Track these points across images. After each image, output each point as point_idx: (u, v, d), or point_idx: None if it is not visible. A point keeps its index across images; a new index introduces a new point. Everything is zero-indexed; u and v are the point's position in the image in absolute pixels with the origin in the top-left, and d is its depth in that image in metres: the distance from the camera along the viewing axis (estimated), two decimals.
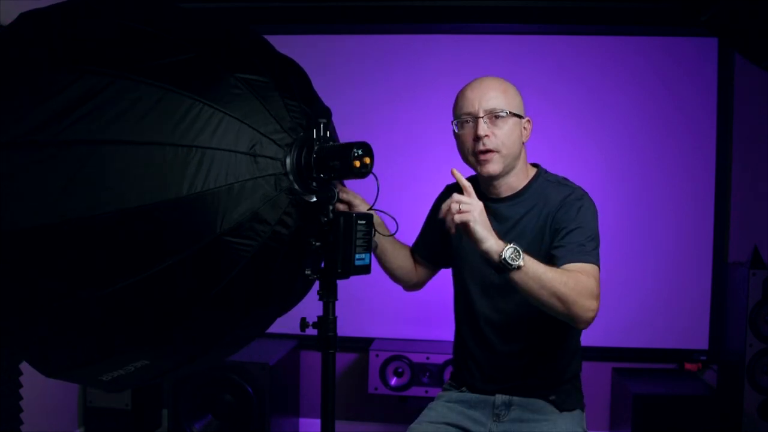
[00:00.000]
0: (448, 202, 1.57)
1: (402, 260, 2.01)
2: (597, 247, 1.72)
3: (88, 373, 1.55)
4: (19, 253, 1.34)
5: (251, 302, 1.56)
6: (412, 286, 2.10)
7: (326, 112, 1.66)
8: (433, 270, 2.09)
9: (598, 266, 1.69)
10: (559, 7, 3.50)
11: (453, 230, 1.57)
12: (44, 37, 1.43)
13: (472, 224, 1.54)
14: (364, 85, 3.58)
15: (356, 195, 1.81)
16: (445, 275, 2.24)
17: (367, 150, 1.55)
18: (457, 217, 1.55)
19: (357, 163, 1.51)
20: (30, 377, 2.95)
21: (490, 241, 1.55)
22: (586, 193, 1.82)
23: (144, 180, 1.33)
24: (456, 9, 3.56)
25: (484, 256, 1.57)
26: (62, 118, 1.30)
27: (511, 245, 1.54)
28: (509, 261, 1.53)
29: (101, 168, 1.31)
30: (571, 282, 1.57)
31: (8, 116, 1.32)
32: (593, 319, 1.61)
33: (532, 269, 1.55)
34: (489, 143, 1.76)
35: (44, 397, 3.22)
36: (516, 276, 1.55)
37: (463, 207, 1.55)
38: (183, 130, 1.36)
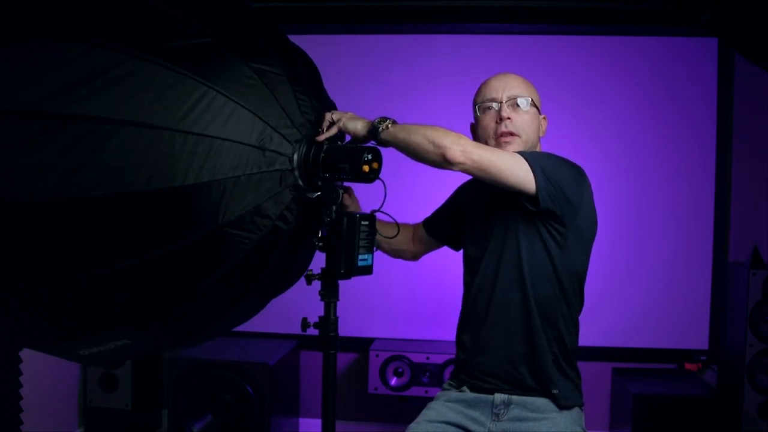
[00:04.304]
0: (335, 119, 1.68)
1: (399, 244, 2.09)
2: (540, 166, 1.70)
3: (68, 347, 1.54)
4: (15, 225, 1.31)
5: (243, 293, 1.56)
6: (408, 259, 2.19)
7: (332, 107, 1.68)
8: (435, 246, 2.16)
9: (522, 159, 1.70)
10: (559, 7, 3.50)
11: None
12: (58, 4, 1.38)
13: (344, 123, 1.67)
14: (364, 85, 3.58)
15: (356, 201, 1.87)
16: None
17: (377, 155, 1.56)
18: (333, 128, 1.65)
19: (366, 168, 1.52)
20: (30, 377, 2.95)
21: (363, 122, 1.69)
22: None
23: (151, 165, 1.31)
24: (456, 9, 3.56)
25: (366, 136, 1.69)
26: (70, 91, 1.27)
27: (381, 118, 1.69)
28: (377, 126, 1.67)
29: (108, 148, 1.29)
30: (441, 130, 1.68)
31: (16, 82, 1.28)
32: (460, 147, 1.64)
33: (399, 125, 1.69)
34: (510, 126, 1.84)
35: (44, 397, 3.22)
36: (386, 135, 1.67)
37: (336, 117, 1.67)
38: (194, 117, 1.33)
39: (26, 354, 2.91)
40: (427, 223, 2.13)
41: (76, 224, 1.31)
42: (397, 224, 1.86)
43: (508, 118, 1.83)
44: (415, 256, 2.17)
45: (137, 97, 1.30)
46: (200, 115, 1.34)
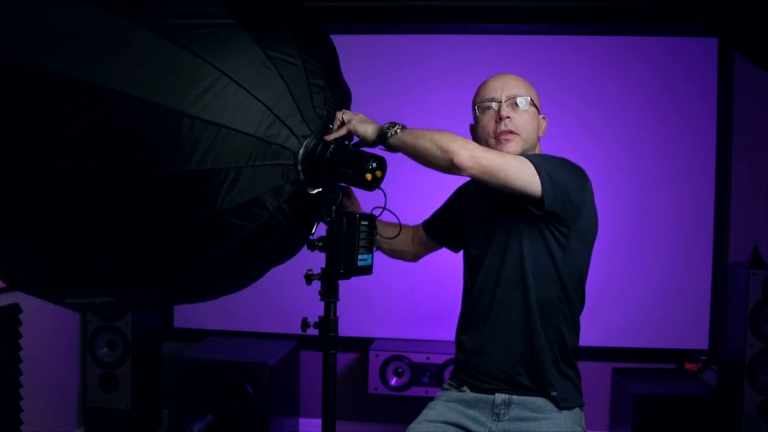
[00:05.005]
0: (345, 120, 1.68)
1: (399, 245, 2.09)
2: (545, 169, 1.71)
3: (57, 295, 1.55)
4: (14, 184, 1.30)
5: (233, 272, 1.56)
6: (408, 260, 2.19)
7: (347, 97, 1.66)
8: (435, 248, 2.16)
9: (528, 162, 1.71)
10: (559, 7, 3.50)
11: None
12: None
13: (354, 125, 1.67)
14: (364, 85, 3.56)
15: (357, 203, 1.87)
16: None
17: (382, 164, 1.55)
18: (343, 129, 1.65)
19: (369, 177, 1.51)
20: (30, 377, 2.95)
21: (373, 126, 1.70)
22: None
23: (154, 146, 1.29)
24: (456, 9, 3.56)
25: (375, 141, 1.70)
26: (84, 57, 1.24)
27: (390, 123, 1.69)
28: (386, 131, 1.68)
29: (113, 122, 1.26)
30: (449, 135, 1.68)
31: (27, 36, 1.25)
32: (468, 152, 1.64)
33: (408, 130, 1.69)
34: (510, 124, 1.84)
35: (44, 397, 3.22)
36: (395, 140, 1.67)
37: (347, 118, 1.67)
38: (204, 103, 1.31)
39: (26, 354, 2.91)
40: (427, 224, 2.13)
41: (70, 191, 1.30)
42: (399, 224, 1.85)
43: (508, 117, 1.83)
44: (414, 257, 2.17)
45: (149, 73, 1.27)
46: (211, 102, 1.32)
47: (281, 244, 1.59)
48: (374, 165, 1.53)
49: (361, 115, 1.70)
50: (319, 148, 1.51)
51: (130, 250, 1.38)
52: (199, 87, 1.31)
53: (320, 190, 1.57)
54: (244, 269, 1.57)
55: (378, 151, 1.66)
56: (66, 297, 1.56)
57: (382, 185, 1.59)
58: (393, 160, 1.74)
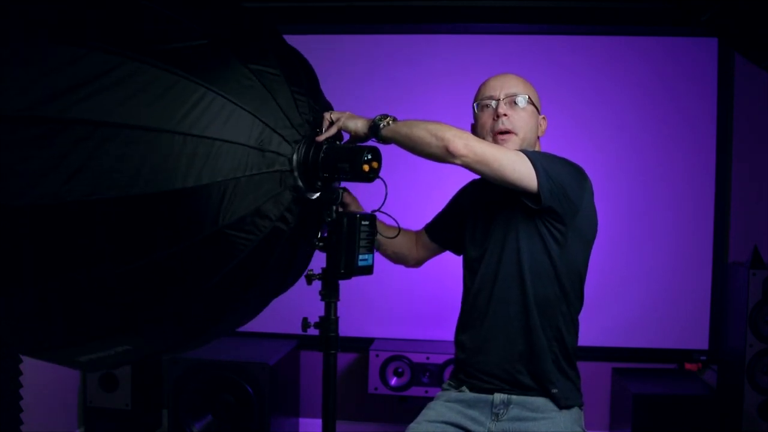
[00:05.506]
0: (334, 119, 1.69)
1: (400, 247, 2.08)
2: (541, 164, 1.71)
3: (67, 353, 1.53)
4: (14, 229, 1.29)
5: (243, 294, 1.55)
6: (410, 266, 2.18)
7: (329, 109, 1.67)
8: (437, 252, 2.15)
9: (524, 156, 1.71)
10: (559, 7, 3.50)
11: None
12: (50, 6, 1.37)
13: (343, 122, 1.68)
14: (364, 85, 3.58)
15: (356, 200, 1.85)
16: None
17: (377, 155, 1.56)
18: (333, 128, 1.66)
19: (366, 168, 1.52)
20: (30, 377, 2.95)
21: (362, 120, 1.71)
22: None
23: (150, 168, 1.29)
24: (456, 9, 3.56)
25: (367, 134, 1.70)
26: (68, 95, 1.26)
27: (381, 115, 1.70)
28: (378, 123, 1.68)
29: (107, 152, 1.27)
30: (444, 124, 1.68)
31: (13, 86, 1.27)
32: (463, 140, 1.65)
33: (401, 121, 1.69)
34: (507, 123, 1.84)
35: (44, 397, 3.21)
36: (388, 131, 1.68)
37: (335, 117, 1.68)
38: (193, 119, 1.33)
39: None
40: (429, 228, 2.13)
41: (74, 228, 1.30)
42: (398, 226, 1.86)
43: (505, 115, 1.84)
44: (417, 262, 2.16)
45: (135, 99, 1.29)
46: (199, 117, 1.33)
47: (287, 256, 1.58)
48: (369, 156, 1.54)
49: (348, 113, 1.70)
50: (312, 151, 1.52)
51: (138, 277, 1.36)
52: (186, 104, 1.33)
53: (319, 194, 1.58)
54: (252, 288, 1.56)
55: (370, 143, 1.66)
56: (78, 354, 1.52)
57: (382, 175, 1.59)
58: (390, 160, 1.75)
